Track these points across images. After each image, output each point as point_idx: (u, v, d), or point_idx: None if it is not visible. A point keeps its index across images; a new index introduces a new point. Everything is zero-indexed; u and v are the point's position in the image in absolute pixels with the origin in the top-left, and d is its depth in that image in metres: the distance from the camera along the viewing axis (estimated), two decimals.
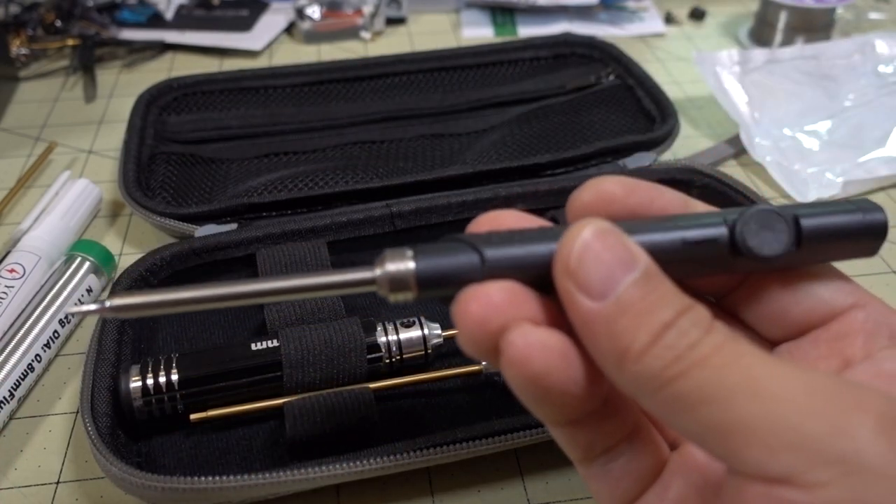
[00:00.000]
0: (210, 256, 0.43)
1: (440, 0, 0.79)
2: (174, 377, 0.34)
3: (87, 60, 0.67)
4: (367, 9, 0.73)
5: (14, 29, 0.68)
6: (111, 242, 0.48)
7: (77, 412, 0.38)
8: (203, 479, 0.30)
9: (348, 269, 0.22)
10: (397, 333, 0.37)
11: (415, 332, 0.37)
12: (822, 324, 0.23)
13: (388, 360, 0.36)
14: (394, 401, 0.36)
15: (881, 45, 0.63)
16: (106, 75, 0.68)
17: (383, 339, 0.36)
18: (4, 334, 0.39)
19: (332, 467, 0.31)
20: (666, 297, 0.19)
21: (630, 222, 0.22)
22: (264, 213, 0.46)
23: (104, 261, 0.44)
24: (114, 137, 0.58)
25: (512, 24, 0.76)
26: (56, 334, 0.40)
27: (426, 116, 0.56)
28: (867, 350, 0.22)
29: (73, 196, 0.48)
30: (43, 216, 0.46)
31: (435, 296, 0.22)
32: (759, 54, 0.62)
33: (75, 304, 0.21)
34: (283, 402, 0.34)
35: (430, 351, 0.37)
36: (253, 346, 0.35)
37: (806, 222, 0.22)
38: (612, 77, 0.59)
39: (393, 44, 0.73)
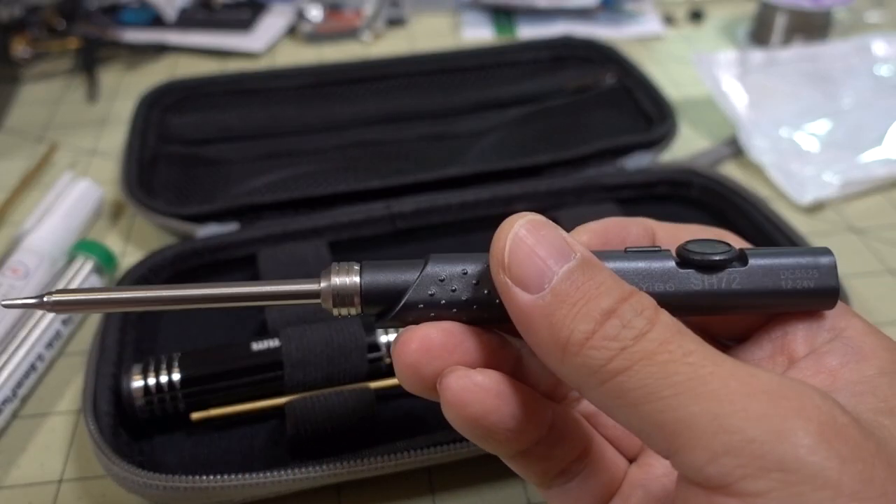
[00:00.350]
0: (212, 256, 0.43)
1: (440, 1, 0.79)
2: (176, 376, 0.34)
3: (90, 62, 0.67)
4: (368, 10, 0.73)
5: (17, 30, 0.69)
6: (113, 243, 0.49)
7: (79, 411, 0.38)
8: (204, 478, 0.30)
9: (294, 280, 0.22)
10: (398, 333, 0.37)
11: None
12: (764, 324, 0.23)
13: (388, 360, 0.36)
14: (394, 400, 0.36)
15: (878, 47, 0.64)
16: (108, 77, 0.68)
17: (384, 338, 0.36)
18: (7, 334, 0.39)
19: (332, 466, 0.31)
20: (605, 283, 0.19)
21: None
22: (266, 214, 0.46)
23: (106, 261, 0.45)
24: (116, 138, 0.58)
25: (512, 26, 0.76)
26: (59, 334, 0.41)
27: (426, 117, 0.57)
28: (809, 345, 0.22)
29: (76, 196, 0.49)
30: (45, 216, 0.47)
31: (381, 322, 0.22)
32: (757, 56, 0.62)
33: (13, 299, 0.21)
34: (284, 402, 0.34)
35: None
36: (254, 346, 0.36)
37: (750, 252, 0.22)
38: (611, 78, 0.59)
39: (393, 45, 0.73)
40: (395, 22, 0.76)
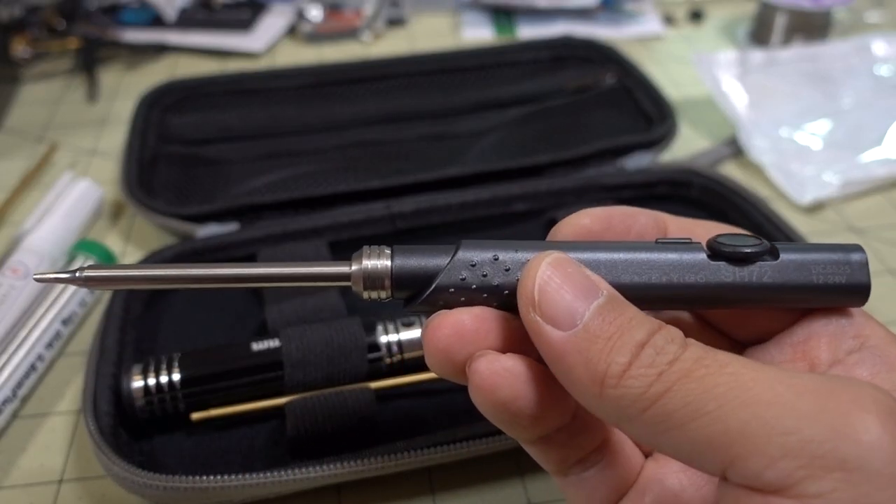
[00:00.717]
0: (212, 256, 0.43)
1: (440, 1, 0.79)
2: (176, 376, 0.34)
3: (90, 62, 0.67)
4: (368, 10, 0.73)
5: (17, 30, 0.69)
6: (113, 243, 0.49)
7: (79, 411, 0.38)
8: (204, 478, 0.30)
9: (325, 262, 0.22)
10: (398, 333, 0.37)
11: (415, 332, 0.37)
12: (786, 327, 0.23)
13: (388, 360, 0.36)
14: (394, 400, 0.36)
15: (878, 47, 0.64)
16: (108, 77, 0.68)
17: (384, 338, 0.36)
18: (7, 334, 0.39)
19: (332, 467, 0.31)
20: (636, 318, 0.19)
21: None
22: (266, 214, 0.46)
23: (106, 261, 0.45)
24: (116, 138, 0.58)
25: (512, 26, 0.76)
26: (59, 334, 0.41)
27: (426, 117, 0.57)
28: (832, 353, 0.22)
29: (76, 196, 0.49)
30: (45, 216, 0.47)
31: (411, 306, 0.22)
32: (757, 56, 0.62)
33: (44, 272, 0.21)
34: (285, 402, 0.34)
35: None
36: (254, 346, 0.36)
37: (781, 246, 0.22)
38: (611, 78, 0.59)
39: (393, 45, 0.73)
40: (395, 22, 0.76)
